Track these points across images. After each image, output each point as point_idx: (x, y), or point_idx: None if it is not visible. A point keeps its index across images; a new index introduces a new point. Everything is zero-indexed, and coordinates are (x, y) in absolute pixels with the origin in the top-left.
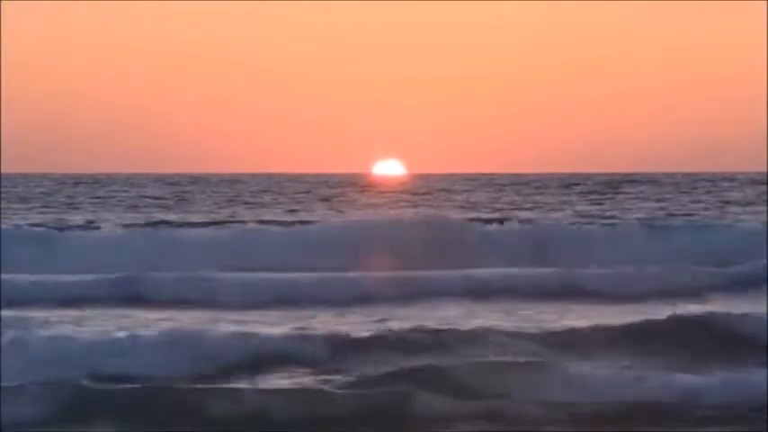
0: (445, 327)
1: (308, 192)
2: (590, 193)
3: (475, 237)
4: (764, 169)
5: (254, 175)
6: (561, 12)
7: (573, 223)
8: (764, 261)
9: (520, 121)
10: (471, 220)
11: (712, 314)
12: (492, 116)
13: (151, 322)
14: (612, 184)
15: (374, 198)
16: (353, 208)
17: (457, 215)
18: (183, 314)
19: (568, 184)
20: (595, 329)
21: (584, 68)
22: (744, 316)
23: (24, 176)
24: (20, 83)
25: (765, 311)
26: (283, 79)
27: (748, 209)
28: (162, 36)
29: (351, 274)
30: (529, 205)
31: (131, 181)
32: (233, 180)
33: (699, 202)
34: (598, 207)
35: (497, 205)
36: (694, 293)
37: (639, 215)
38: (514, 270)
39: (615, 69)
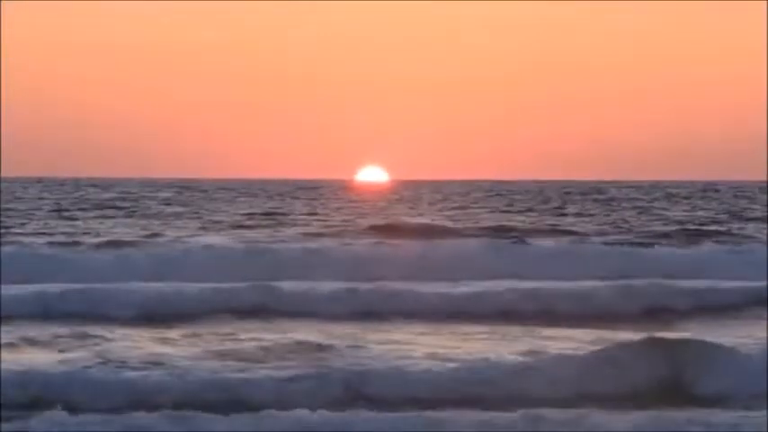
0: None
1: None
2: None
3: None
4: (765, 172)
5: (234, 180)
6: (561, 12)
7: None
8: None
9: (513, 125)
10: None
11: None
12: (483, 120)
13: None
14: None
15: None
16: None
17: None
18: None
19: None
20: None
21: (584, 69)
22: None
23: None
24: (20, 83)
25: None
26: (278, 82)
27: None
28: (160, 37)
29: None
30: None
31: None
32: (190, 186)
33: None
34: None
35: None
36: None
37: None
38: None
39: (616, 69)
